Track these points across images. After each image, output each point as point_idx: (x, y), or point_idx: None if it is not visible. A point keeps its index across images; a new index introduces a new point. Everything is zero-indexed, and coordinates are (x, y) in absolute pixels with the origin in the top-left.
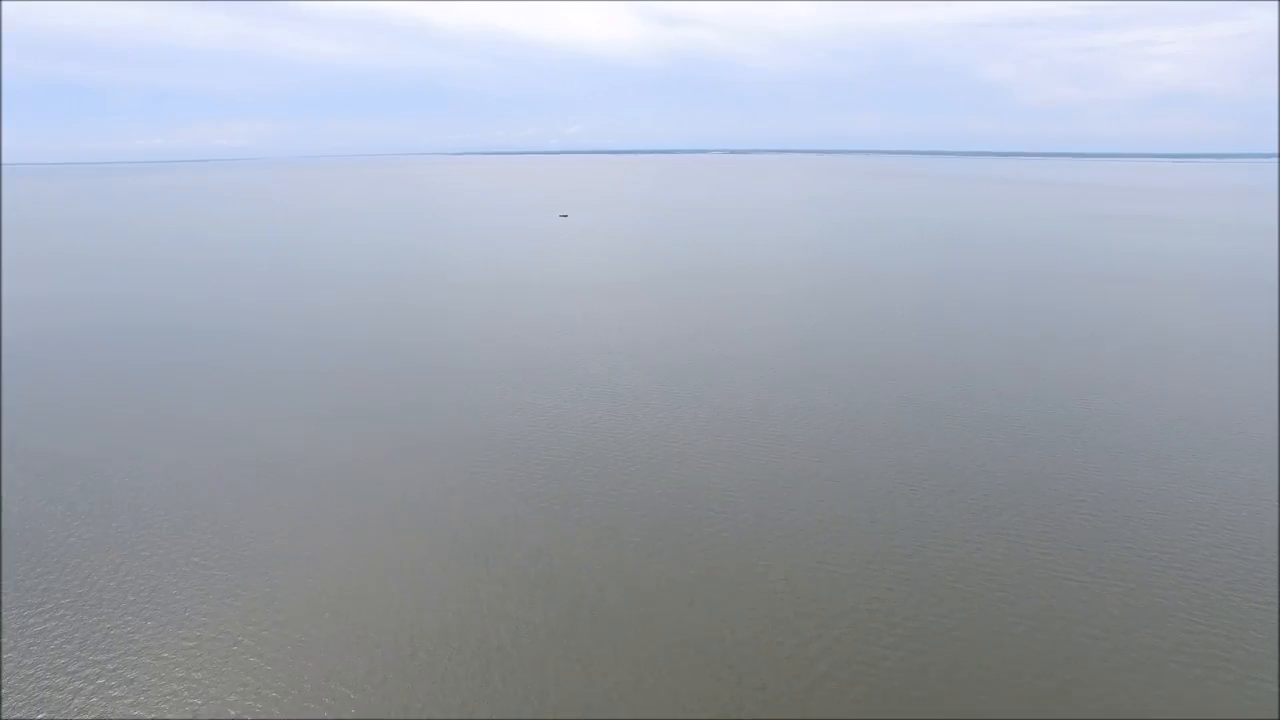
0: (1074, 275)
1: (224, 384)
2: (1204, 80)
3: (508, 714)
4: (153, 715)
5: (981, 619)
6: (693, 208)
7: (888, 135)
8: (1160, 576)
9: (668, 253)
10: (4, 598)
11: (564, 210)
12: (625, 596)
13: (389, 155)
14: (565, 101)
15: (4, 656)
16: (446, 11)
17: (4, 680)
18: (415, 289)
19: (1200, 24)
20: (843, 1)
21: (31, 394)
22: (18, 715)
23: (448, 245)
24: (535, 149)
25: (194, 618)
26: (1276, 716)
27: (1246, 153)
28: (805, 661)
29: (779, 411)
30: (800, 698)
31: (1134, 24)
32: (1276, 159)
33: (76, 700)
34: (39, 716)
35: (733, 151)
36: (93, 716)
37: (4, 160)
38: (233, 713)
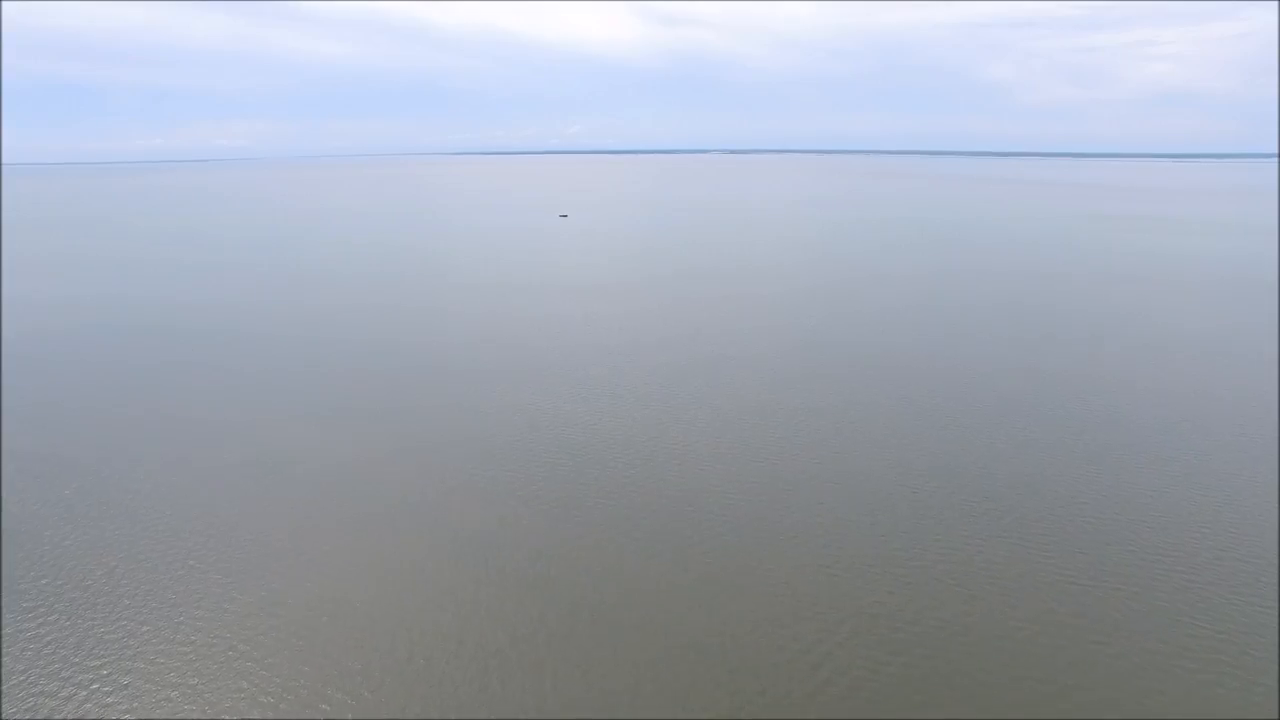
0: (1074, 275)
1: (224, 384)
2: (1204, 80)
3: (506, 716)
4: None
5: (983, 623)
6: (693, 208)
7: (888, 135)
8: (1160, 578)
9: (668, 253)
10: (2, 601)
11: (564, 210)
12: (625, 598)
13: (389, 155)
14: (565, 101)
15: (1, 661)
16: (446, 11)
17: (1, 684)
18: (415, 289)
19: (1200, 24)
20: (843, 1)
21: (31, 394)
22: None
23: (447, 245)
24: (535, 149)
25: (190, 622)
26: (1276, 717)
27: (1246, 153)
28: (807, 667)
29: (779, 412)
30: (801, 702)
31: (1134, 24)
32: (1276, 159)
33: (69, 706)
34: None
35: (733, 151)
36: None
37: (4, 160)
38: (227, 718)
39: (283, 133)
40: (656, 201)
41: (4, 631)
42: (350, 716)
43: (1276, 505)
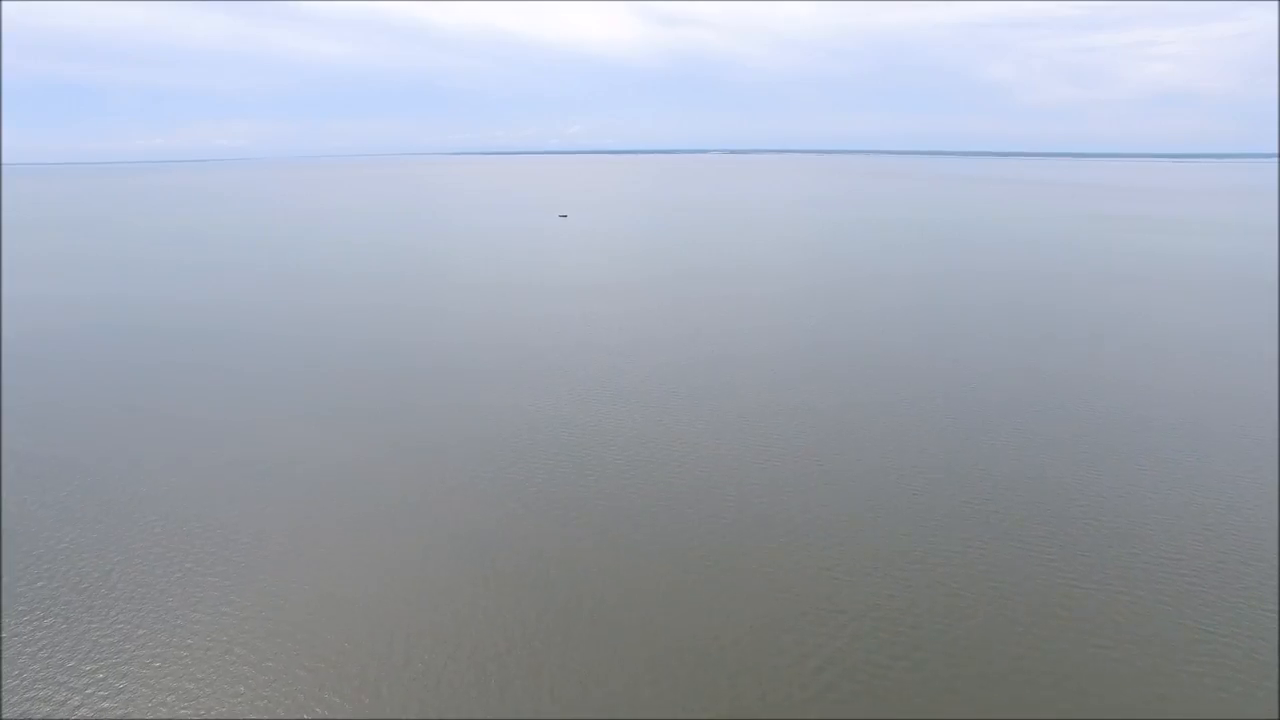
0: (1074, 275)
1: (223, 384)
2: (1204, 80)
3: (504, 717)
4: None
5: (985, 626)
6: (693, 208)
7: (888, 135)
8: (1162, 580)
9: (668, 253)
10: (1, 603)
11: (564, 210)
12: (624, 600)
13: (389, 155)
14: (565, 101)
15: (1, 662)
16: (446, 11)
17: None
18: (415, 289)
19: (1200, 24)
20: (843, 1)
21: (30, 394)
22: None
23: (447, 245)
24: (535, 149)
25: (187, 625)
26: (1276, 717)
27: (1246, 153)
28: (809, 671)
29: (779, 412)
30: (802, 705)
31: (1134, 24)
32: (1276, 159)
33: (63, 711)
34: None
35: (733, 151)
36: None
37: (4, 160)
38: None
39: (283, 133)
40: (656, 201)
41: (1, 634)
42: (348, 718)
43: (1277, 506)
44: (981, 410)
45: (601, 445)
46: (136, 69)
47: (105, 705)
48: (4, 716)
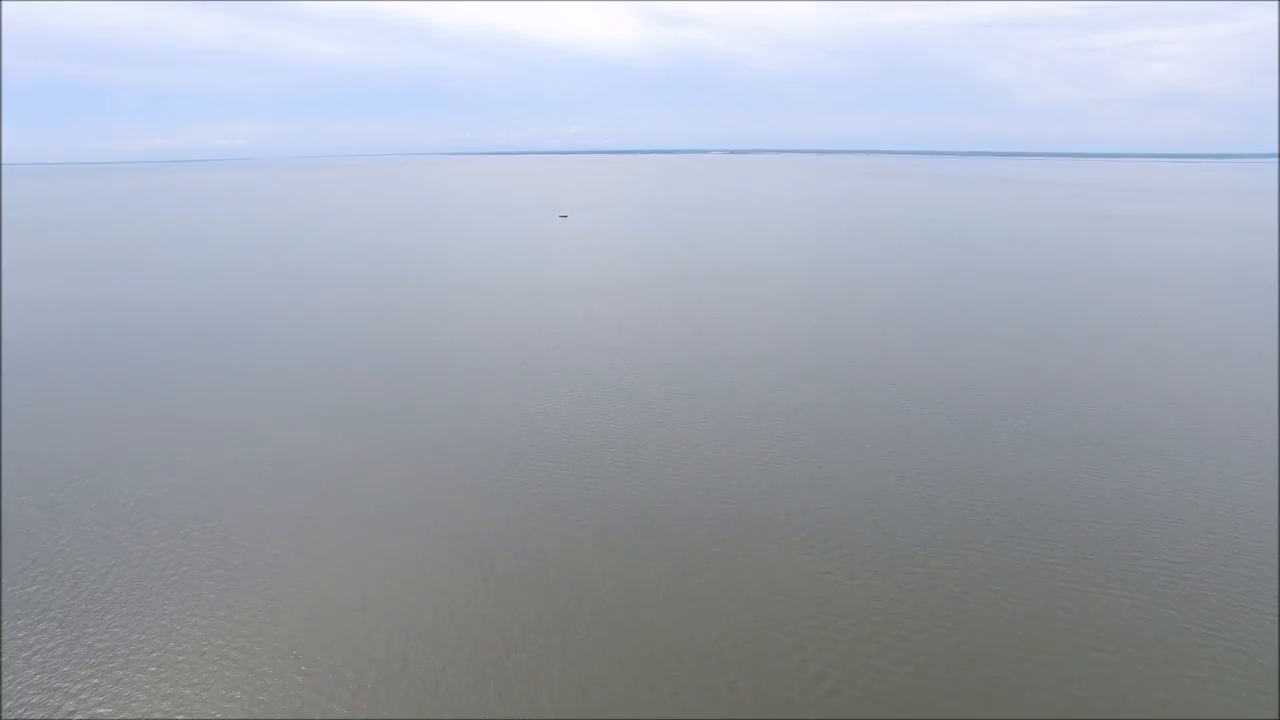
0: (1074, 275)
1: (223, 384)
2: (1204, 80)
3: (503, 718)
4: None
5: (987, 630)
6: (693, 208)
7: (888, 135)
8: (1164, 581)
9: (668, 253)
10: (1, 605)
11: (564, 210)
12: (623, 602)
13: (389, 155)
14: (565, 101)
15: (1, 664)
16: (446, 11)
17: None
18: (415, 289)
19: (1200, 24)
20: (843, 1)
21: (30, 394)
22: None
23: (447, 245)
24: (535, 149)
25: (184, 629)
26: (1276, 717)
27: (1246, 153)
28: (810, 676)
29: (780, 413)
30: (803, 710)
31: (1134, 24)
32: (1276, 159)
33: (57, 717)
34: None
35: (733, 151)
36: None
37: (4, 160)
38: None
39: (283, 133)
40: (656, 201)
41: (1, 637)
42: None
43: (1277, 507)
44: (982, 411)
45: (601, 446)
46: (136, 69)
47: (101, 711)
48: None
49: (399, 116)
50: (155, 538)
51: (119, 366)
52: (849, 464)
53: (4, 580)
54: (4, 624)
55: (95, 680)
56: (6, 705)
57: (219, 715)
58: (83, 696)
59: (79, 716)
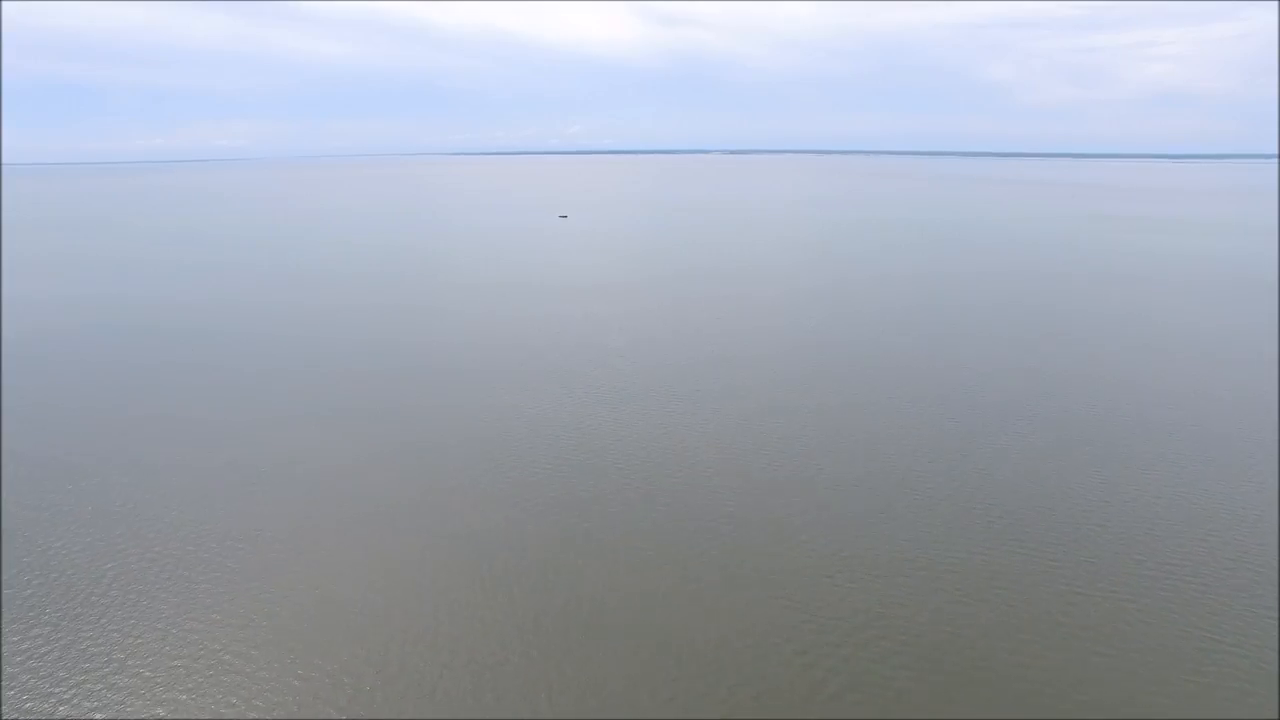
0: (1075, 275)
1: (223, 384)
2: (1204, 81)
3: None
4: None
5: (990, 634)
6: (693, 208)
7: (888, 135)
8: (1167, 585)
9: (668, 253)
10: (2, 606)
11: (564, 211)
12: (623, 605)
13: (389, 155)
14: (565, 102)
15: (1, 665)
16: (446, 11)
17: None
18: (415, 289)
19: (1200, 24)
20: (843, 1)
21: (29, 394)
22: None
23: (447, 246)
24: (535, 149)
25: (180, 632)
26: (1276, 717)
27: (1246, 153)
28: (812, 682)
29: (780, 413)
30: (804, 715)
31: (1134, 24)
32: (1276, 159)
33: None
34: None
35: (733, 152)
36: None
37: (4, 160)
38: None
39: (283, 133)
40: (656, 202)
41: (1, 638)
42: None
43: (1277, 508)
44: (983, 412)
45: (601, 447)
46: (136, 69)
47: (95, 717)
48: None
49: (399, 116)
50: (153, 539)
51: (119, 366)
52: (849, 465)
53: (2, 581)
54: (2, 626)
55: (90, 685)
56: (4, 710)
57: (215, 718)
58: (76, 701)
59: None
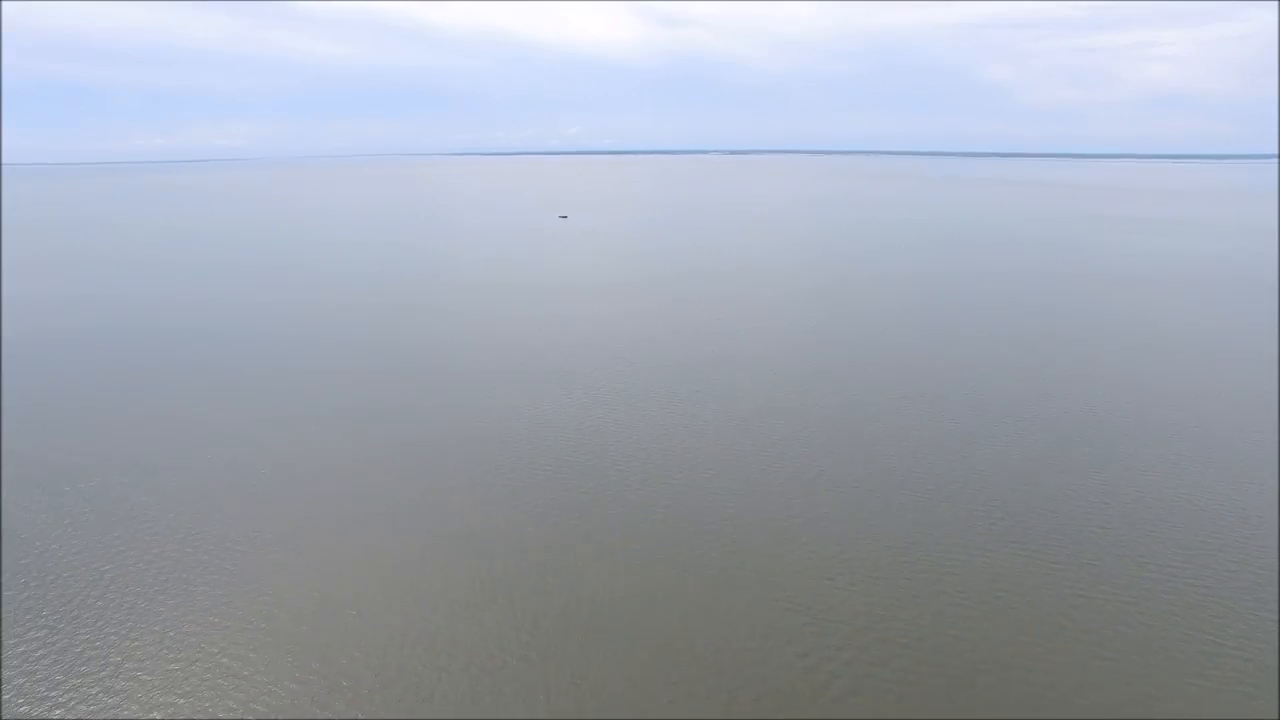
0: (1075, 276)
1: (223, 385)
2: (1203, 81)
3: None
4: None
5: (992, 638)
6: (693, 209)
7: (888, 136)
8: (1164, 582)
9: (668, 254)
10: (2, 607)
11: (564, 211)
12: (622, 607)
13: (389, 155)
14: (565, 102)
15: (1, 666)
16: (446, 11)
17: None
18: (415, 290)
19: (1200, 25)
20: (843, 1)
21: (29, 395)
22: None
23: (447, 246)
24: (535, 149)
25: (177, 635)
26: (1276, 717)
27: (1246, 154)
28: (813, 686)
29: (781, 415)
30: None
31: (1133, 25)
32: (1276, 160)
33: None
34: None
35: (733, 152)
36: None
37: (4, 160)
38: None
39: (282, 133)
40: (656, 202)
41: (1, 639)
42: None
43: (1277, 508)
44: (984, 412)
45: (601, 447)
46: (136, 69)
47: None
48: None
49: (399, 117)
50: (151, 541)
51: (119, 366)
52: (850, 466)
53: (2, 584)
54: (2, 629)
55: (87, 688)
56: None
57: None
58: (72, 705)
59: None
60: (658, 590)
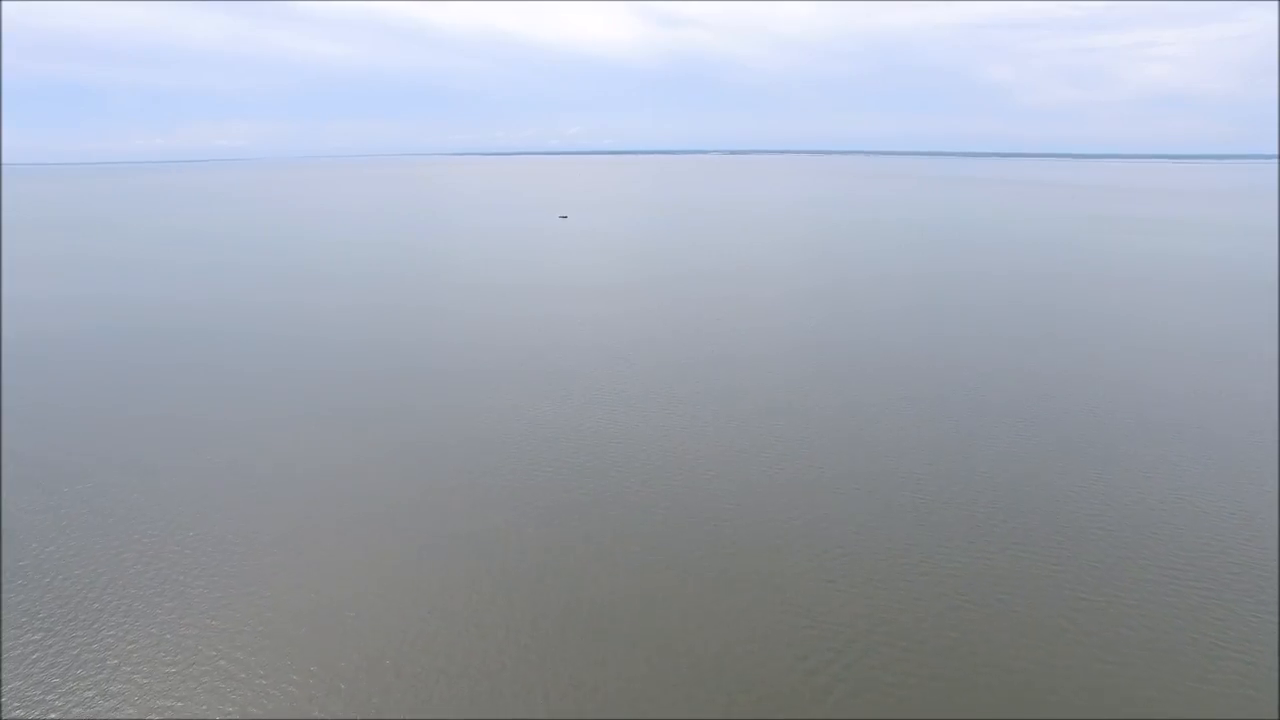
0: (1075, 276)
1: (222, 385)
2: (1203, 82)
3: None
4: None
5: (992, 639)
6: (693, 209)
7: (888, 136)
8: (1166, 584)
9: (668, 254)
10: (2, 608)
11: (564, 211)
12: (621, 609)
13: (389, 155)
14: (565, 102)
15: (1, 666)
16: (446, 12)
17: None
18: (415, 290)
19: (1200, 25)
20: (843, 1)
21: (29, 395)
22: None
23: (447, 246)
24: (535, 149)
25: (175, 638)
26: (1276, 717)
27: (1246, 154)
28: (815, 691)
29: (782, 416)
30: None
31: (1133, 25)
32: (1276, 160)
33: None
34: None
35: (733, 152)
36: None
37: (4, 160)
38: None
39: (282, 133)
40: (656, 202)
41: (1, 639)
42: None
43: (1277, 509)
44: (984, 413)
45: (600, 448)
46: (136, 69)
47: None
48: None
49: (399, 117)
50: (150, 542)
51: (119, 367)
52: (850, 467)
53: (2, 586)
54: (2, 631)
55: (84, 692)
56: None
57: None
58: (68, 708)
59: None
60: (658, 591)
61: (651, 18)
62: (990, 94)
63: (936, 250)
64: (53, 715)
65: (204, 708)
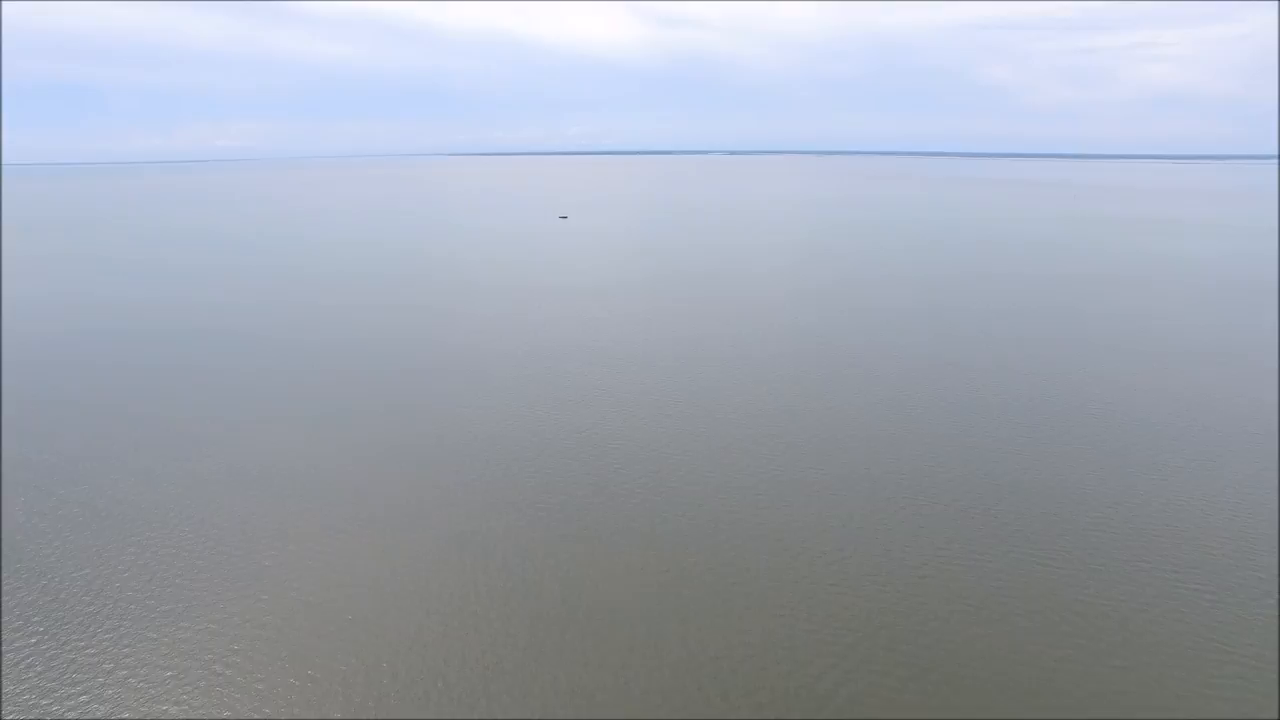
0: (1075, 277)
1: (222, 386)
2: (1203, 82)
3: None
4: None
5: (993, 641)
6: (693, 209)
7: (888, 136)
8: (1167, 587)
9: (668, 255)
10: (2, 609)
11: (564, 211)
12: (620, 612)
13: (389, 156)
14: (565, 103)
15: (1, 666)
16: (446, 12)
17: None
18: (415, 290)
19: (1200, 26)
20: (843, 2)
21: (28, 395)
22: None
23: (447, 246)
24: (536, 150)
25: (173, 640)
26: (1277, 717)
27: (1246, 154)
28: (817, 696)
29: (783, 417)
30: None
31: (1133, 26)
32: (1276, 161)
33: None
34: None
35: (733, 153)
36: None
37: (4, 160)
38: None
39: (282, 133)
40: (657, 203)
41: (1, 639)
42: None
43: (1277, 509)
44: (984, 414)
45: (600, 449)
46: (136, 69)
47: None
48: None
49: (399, 117)
50: (149, 545)
51: (118, 367)
52: (851, 468)
53: (2, 587)
54: (1, 633)
55: (80, 695)
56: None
57: None
58: (64, 713)
59: None
60: (657, 593)
61: (652, 18)
62: (990, 94)
63: (936, 250)
64: (48, 719)
65: (201, 710)
